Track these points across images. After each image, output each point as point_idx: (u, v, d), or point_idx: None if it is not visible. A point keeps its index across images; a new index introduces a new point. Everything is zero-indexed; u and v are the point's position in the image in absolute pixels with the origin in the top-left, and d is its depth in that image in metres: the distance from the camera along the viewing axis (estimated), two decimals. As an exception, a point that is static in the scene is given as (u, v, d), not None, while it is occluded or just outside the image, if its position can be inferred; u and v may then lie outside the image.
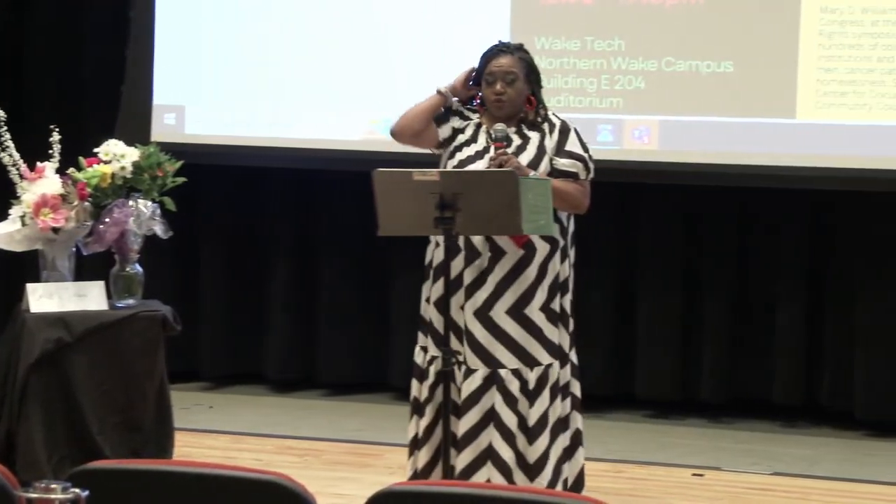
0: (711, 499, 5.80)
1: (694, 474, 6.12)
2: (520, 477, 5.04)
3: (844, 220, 6.94)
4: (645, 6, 6.75)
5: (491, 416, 5.08)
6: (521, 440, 5.07)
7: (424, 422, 5.20)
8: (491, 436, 5.07)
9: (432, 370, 5.16)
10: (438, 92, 5.25)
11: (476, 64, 5.25)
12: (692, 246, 7.12)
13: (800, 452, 6.55)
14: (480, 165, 5.11)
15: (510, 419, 5.06)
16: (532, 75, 5.21)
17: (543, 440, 5.08)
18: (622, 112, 6.78)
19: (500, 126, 5.08)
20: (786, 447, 6.64)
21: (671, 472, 6.16)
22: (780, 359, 7.00)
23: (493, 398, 5.08)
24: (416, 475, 5.21)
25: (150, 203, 5.49)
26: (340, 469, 6.09)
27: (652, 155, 6.76)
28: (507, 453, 5.05)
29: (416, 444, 5.26)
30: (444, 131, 5.24)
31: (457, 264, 5.05)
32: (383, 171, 4.84)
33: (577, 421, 5.26)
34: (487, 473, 5.07)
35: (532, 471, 5.06)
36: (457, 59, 5.41)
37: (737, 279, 7.08)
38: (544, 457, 5.08)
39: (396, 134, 5.30)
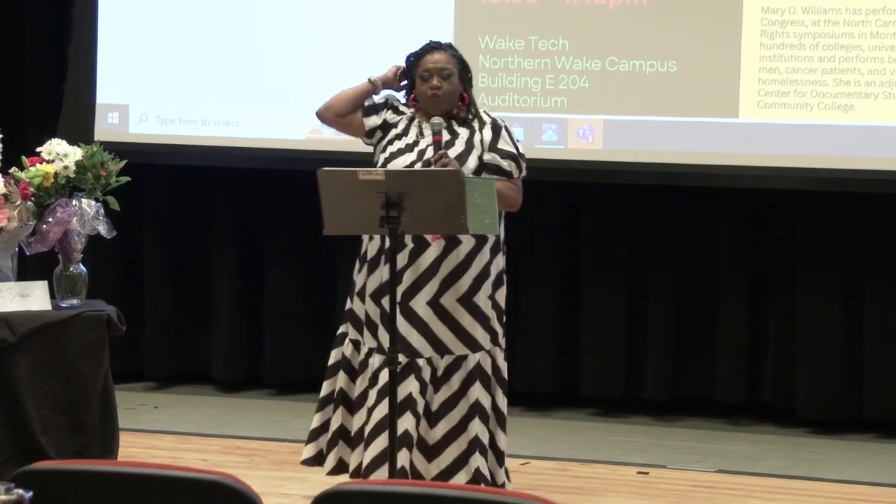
0: (656, 496, 5.83)
1: (639, 472, 6.15)
2: (492, 459, 5.18)
3: (786, 220, 6.99)
4: (589, 6, 6.77)
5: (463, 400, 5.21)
6: (492, 422, 5.22)
7: (364, 418, 5.21)
8: (469, 419, 5.17)
9: (372, 363, 5.21)
10: (369, 80, 5.35)
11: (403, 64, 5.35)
12: (636, 245, 7.15)
13: (743, 450, 6.59)
14: (409, 158, 5.18)
15: (486, 400, 5.17)
16: (465, 73, 5.30)
17: (476, 422, 5.17)
18: (566, 112, 6.80)
19: (437, 119, 5.14)
20: (729, 445, 6.68)
21: (616, 471, 6.19)
22: (723, 357, 7.04)
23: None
24: (358, 473, 5.22)
25: (93, 202, 5.46)
26: (287, 469, 6.07)
27: (596, 154, 6.79)
28: (483, 433, 5.16)
29: (339, 437, 5.31)
30: (372, 121, 5.32)
31: (403, 258, 5.11)
32: (328, 170, 4.84)
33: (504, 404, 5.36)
34: (477, 461, 5.16)
35: (498, 454, 5.21)
36: (401, 58, 5.42)
37: (680, 278, 7.12)
38: (476, 439, 5.17)
39: (320, 114, 5.43)
